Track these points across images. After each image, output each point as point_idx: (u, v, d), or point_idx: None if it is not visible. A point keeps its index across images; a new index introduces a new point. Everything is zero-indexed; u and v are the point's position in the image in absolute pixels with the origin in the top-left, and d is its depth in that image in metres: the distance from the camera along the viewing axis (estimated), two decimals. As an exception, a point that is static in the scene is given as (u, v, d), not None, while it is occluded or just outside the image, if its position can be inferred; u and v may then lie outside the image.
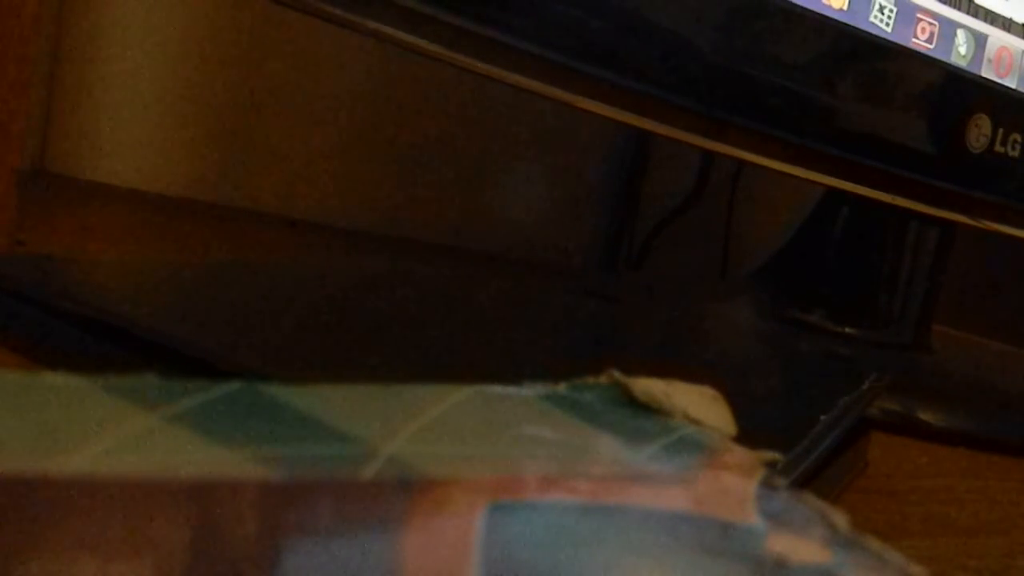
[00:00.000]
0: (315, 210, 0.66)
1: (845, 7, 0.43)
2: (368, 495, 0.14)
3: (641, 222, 0.75)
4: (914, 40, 0.46)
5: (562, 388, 0.19)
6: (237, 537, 0.13)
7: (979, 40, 0.48)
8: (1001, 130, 0.49)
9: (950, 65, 0.47)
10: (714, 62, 0.40)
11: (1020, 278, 0.77)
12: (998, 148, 0.49)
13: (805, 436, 0.31)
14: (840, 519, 0.17)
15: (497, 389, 0.19)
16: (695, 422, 0.19)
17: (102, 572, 0.12)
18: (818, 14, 0.42)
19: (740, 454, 0.18)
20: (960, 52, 0.47)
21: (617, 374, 0.20)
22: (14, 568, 0.12)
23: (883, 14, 0.44)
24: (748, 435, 0.19)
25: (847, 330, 0.54)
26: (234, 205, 0.64)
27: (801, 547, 0.16)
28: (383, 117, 0.68)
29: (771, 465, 0.18)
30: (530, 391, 0.19)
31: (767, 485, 0.17)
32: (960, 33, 0.47)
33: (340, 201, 0.68)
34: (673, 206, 0.75)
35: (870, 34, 0.44)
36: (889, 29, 0.44)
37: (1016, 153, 0.50)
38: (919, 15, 0.45)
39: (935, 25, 0.46)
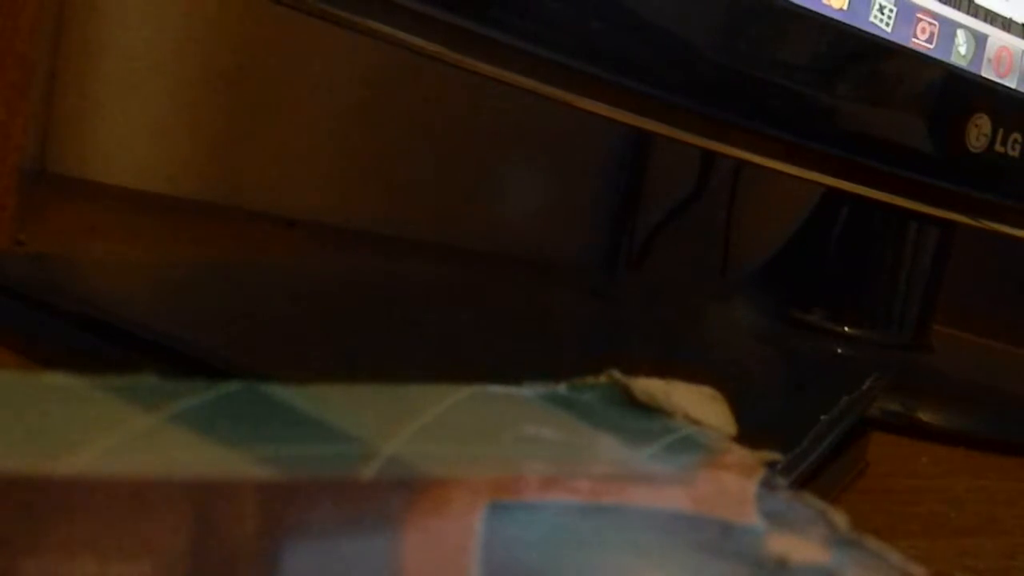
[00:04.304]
0: (315, 210, 0.66)
1: (845, 7, 0.43)
2: (368, 495, 0.14)
3: (641, 222, 0.75)
4: (914, 40, 0.46)
5: (562, 388, 0.19)
6: (237, 537, 0.13)
7: (979, 40, 0.48)
8: (1001, 130, 0.49)
9: (950, 65, 0.47)
10: (714, 62, 0.40)
11: (1020, 278, 0.77)
12: (998, 148, 0.49)
13: (805, 436, 0.31)
14: (840, 519, 0.17)
15: (497, 389, 0.19)
16: (695, 422, 0.19)
17: (102, 572, 0.12)
18: (818, 14, 0.42)
19: (740, 454, 0.18)
20: (960, 52, 0.47)
21: (617, 374, 0.20)
22: (14, 568, 0.12)
23: (883, 14, 0.44)
24: (748, 435, 0.19)
25: (847, 330, 0.54)
26: (234, 205, 0.64)
27: (801, 547, 0.16)
28: (383, 117, 0.68)
29: (771, 465, 0.18)
30: (530, 391, 0.19)
31: (767, 485, 0.17)
32: (960, 33, 0.47)
33: (340, 201, 0.68)
34: (673, 206, 0.75)
35: (870, 34, 0.44)
36: (889, 29, 0.44)
37: (1016, 153, 0.50)
38: (919, 15, 0.45)
39: (935, 25, 0.46)
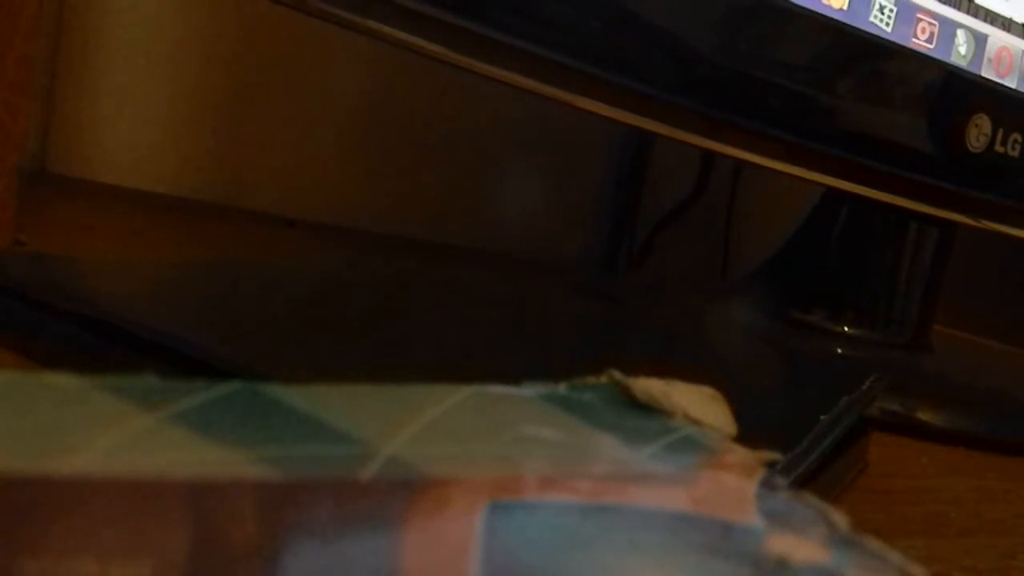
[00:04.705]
0: (315, 210, 0.66)
1: (845, 7, 0.43)
2: (368, 495, 0.14)
3: (641, 222, 0.75)
4: (914, 40, 0.46)
5: (562, 388, 0.19)
6: (237, 537, 0.13)
7: (979, 40, 0.48)
8: (1001, 130, 0.49)
9: (950, 65, 0.47)
10: (714, 62, 0.40)
11: (1020, 278, 0.77)
12: (998, 148, 0.49)
13: (805, 436, 0.31)
14: (840, 519, 0.17)
15: (497, 389, 0.19)
16: (695, 422, 0.19)
17: (102, 572, 0.12)
18: (818, 14, 0.42)
19: (740, 454, 0.18)
20: (960, 52, 0.47)
21: (617, 374, 0.20)
22: (14, 568, 0.12)
23: (883, 14, 0.44)
24: (748, 435, 0.19)
25: (847, 330, 0.54)
26: (234, 205, 0.64)
27: (801, 547, 0.16)
28: (383, 117, 0.68)
29: (771, 465, 0.18)
30: (530, 391, 0.19)
31: (767, 485, 0.17)
32: (960, 33, 0.47)
33: (340, 201, 0.68)
34: (673, 206, 0.75)
35: (870, 34, 0.44)
36: (889, 29, 0.44)
37: (1016, 153, 0.50)
38: (919, 15, 0.45)
39: (935, 25, 0.46)
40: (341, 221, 0.67)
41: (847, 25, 0.43)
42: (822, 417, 0.33)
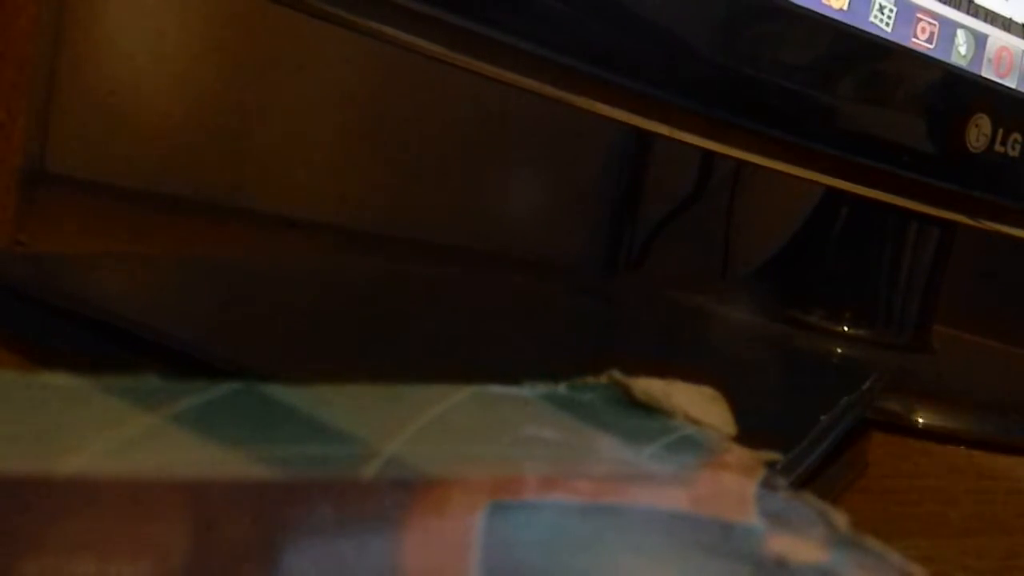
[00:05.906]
0: (315, 210, 0.66)
1: (845, 7, 0.43)
2: (368, 495, 0.14)
3: (641, 222, 0.75)
4: (914, 40, 0.46)
5: (562, 388, 0.19)
6: (237, 537, 0.13)
7: (979, 40, 0.48)
8: (1001, 130, 0.49)
9: (950, 65, 0.47)
10: (714, 62, 0.40)
11: (1020, 278, 0.77)
12: (998, 148, 0.49)
13: (805, 436, 0.31)
14: (840, 519, 0.17)
15: (497, 389, 0.19)
16: (695, 422, 0.19)
17: (102, 572, 0.12)
18: (818, 14, 0.42)
19: (740, 454, 0.18)
20: (960, 52, 0.47)
21: (617, 374, 0.20)
22: (14, 568, 0.12)
23: (883, 14, 0.44)
24: (748, 435, 0.19)
25: (847, 330, 0.54)
26: (234, 205, 0.64)
27: (801, 547, 0.16)
28: (383, 117, 0.68)
29: (771, 465, 0.18)
30: (530, 391, 0.19)
31: (767, 485, 0.17)
32: (960, 33, 0.47)
33: (340, 201, 0.68)
34: (673, 206, 0.75)
35: (870, 34, 0.44)
36: (889, 29, 0.44)
37: (1016, 153, 0.50)
38: (919, 15, 0.45)
39: (935, 25, 0.46)
40: (341, 221, 0.67)
41: (847, 25, 0.43)
42: (822, 417, 0.33)
